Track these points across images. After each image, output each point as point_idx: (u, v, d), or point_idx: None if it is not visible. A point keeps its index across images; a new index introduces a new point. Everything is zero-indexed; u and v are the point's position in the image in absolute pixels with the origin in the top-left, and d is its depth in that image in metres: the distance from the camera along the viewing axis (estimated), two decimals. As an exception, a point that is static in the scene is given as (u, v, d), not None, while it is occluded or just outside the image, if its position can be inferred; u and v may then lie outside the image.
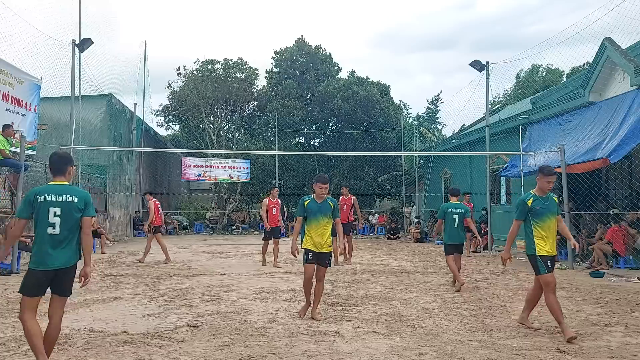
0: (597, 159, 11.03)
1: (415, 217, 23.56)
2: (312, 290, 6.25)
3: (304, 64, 28.38)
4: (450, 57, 78.63)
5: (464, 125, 26.98)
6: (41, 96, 13.24)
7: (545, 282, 5.51)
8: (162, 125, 29.43)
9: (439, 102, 43.86)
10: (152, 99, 53.43)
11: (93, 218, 4.57)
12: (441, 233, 9.24)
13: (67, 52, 14.31)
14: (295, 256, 6.41)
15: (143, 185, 23.27)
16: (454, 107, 34.91)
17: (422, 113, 44.05)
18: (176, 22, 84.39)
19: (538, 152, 13.74)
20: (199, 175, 25.17)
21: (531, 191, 5.77)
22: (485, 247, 15.77)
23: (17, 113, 11.93)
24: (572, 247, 5.76)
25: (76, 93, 14.82)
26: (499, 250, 15.64)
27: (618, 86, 12.45)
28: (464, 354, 4.78)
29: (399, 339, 5.31)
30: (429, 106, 44.36)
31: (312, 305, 6.24)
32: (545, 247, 5.56)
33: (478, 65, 16.35)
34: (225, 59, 26.83)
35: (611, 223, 11.41)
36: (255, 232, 24.31)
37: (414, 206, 25.66)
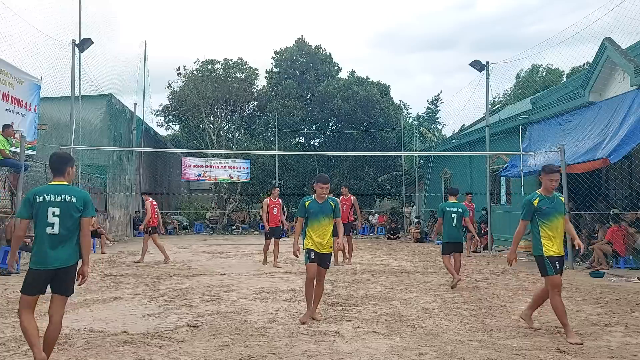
0: (597, 159, 11.03)
1: (415, 217, 23.56)
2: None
3: (304, 64, 28.39)
4: (450, 57, 78.68)
5: (464, 125, 27.01)
6: (41, 96, 13.24)
7: (552, 284, 5.44)
8: (162, 125, 29.50)
9: (439, 102, 43.92)
10: (152, 99, 53.48)
11: (93, 218, 4.59)
12: (441, 233, 9.24)
13: (67, 52, 14.31)
14: (297, 256, 6.34)
15: (143, 185, 23.26)
16: (454, 107, 34.94)
17: (422, 113, 44.11)
18: (176, 22, 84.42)
19: (538, 152, 13.74)
20: (199, 175, 25.18)
21: (537, 191, 5.70)
22: (485, 247, 15.77)
23: (17, 113, 11.93)
24: (577, 247, 5.67)
25: (76, 93, 14.82)
26: (499, 251, 15.66)
27: (618, 86, 12.45)
28: (464, 354, 4.78)
29: (399, 339, 5.31)
30: (429, 106, 44.40)
31: (312, 305, 6.19)
32: (552, 247, 5.48)
33: (478, 65, 16.35)
34: (225, 59, 26.87)
35: (610, 223, 11.41)
36: (255, 232, 24.31)
37: (414, 206, 25.66)
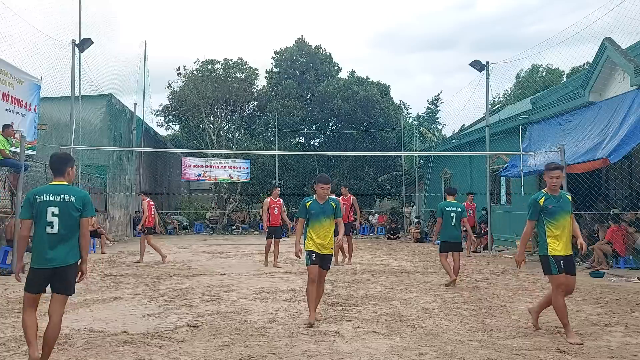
0: (597, 159, 11.03)
1: (415, 217, 23.56)
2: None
3: (304, 64, 28.39)
4: (450, 57, 78.69)
5: (464, 125, 27.00)
6: (41, 96, 13.23)
7: (556, 283, 5.39)
8: (162, 125, 29.52)
9: (439, 102, 43.93)
10: (152, 99, 53.50)
11: (93, 218, 4.61)
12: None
13: (67, 52, 14.31)
14: (299, 257, 6.28)
15: (143, 186, 23.27)
16: (454, 107, 34.91)
17: (422, 113, 44.14)
18: (176, 22, 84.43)
19: (538, 152, 13.73)
20: (199, 175, 25.18)
21: (543, 190, 5.63)
22: (485, 247, 15.78)
23: (17, 113, 11.93)
24: (579, 246, 5.56)
25: (76, 93, 14.83)
26: (499, 251, 15.66)
27: (618, 86, 12.45)
28: (464, 354, 4.78)
29: (399, 339, 5.31)
30: (429, 106, 44.42)
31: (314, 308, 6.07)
32: (557, 247, 5.40)
33: (478, 65, 16.36)
34: (225, 59, 26.89)
35: (609, 222, 11.41)
36: (255, 232, 24.32)
37: (414, 206, 25.66)
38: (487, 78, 16.27)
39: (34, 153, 12.88)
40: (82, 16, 15.57)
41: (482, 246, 15.87)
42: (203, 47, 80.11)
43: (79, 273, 4.35)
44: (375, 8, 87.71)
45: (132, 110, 22.62)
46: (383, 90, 27.92)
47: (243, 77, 26.95)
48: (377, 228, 24.85)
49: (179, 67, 26.97)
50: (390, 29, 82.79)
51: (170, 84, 27.47)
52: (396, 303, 7.23)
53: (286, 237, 16.61)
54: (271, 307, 6.91)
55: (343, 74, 29.01)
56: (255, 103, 28.58)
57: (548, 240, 5.45)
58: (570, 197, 5.67)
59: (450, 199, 9.21)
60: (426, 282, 9.24)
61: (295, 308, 6.82)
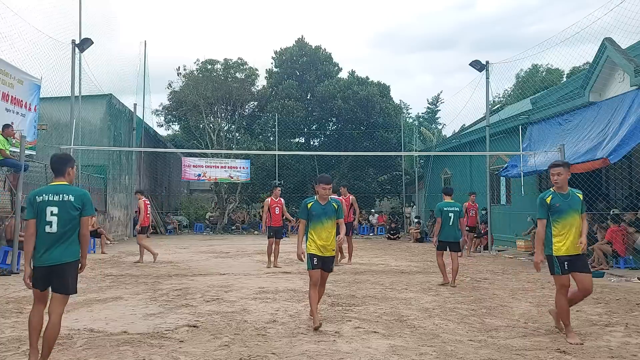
0: (597, 159, 11.02)
1: (415, 217, 23.57)
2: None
3: (304, 64, 28.39)
4: (450, 57, 78.72)
5: (464, 125, 27.01)
6: (41, 96, 13.23)
7: (559, 284, 5.34)
8: (162, 125, 29.51)
9: (439, 102, 43.95)
10: (152, 99, 53.56)
11: (93, 218, 4.64)
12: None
13: (67, 52, 14.31)
14: (302, 260, 6.11)
15: (143, 186, 23.26)
16: (454, 107, 34.97)
17: (422, 113, 44.15)
18: (176, 22, 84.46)
19: (538, 152, 13.73)
20: (199, 175, 25.18)
21: (551, 189, 5.54)
22: (485, 247, 15.78)
23: (17, 113, 11.93)
24: (578, 244, 5.34)
25: (76, 93, 14.82)
26: (499, 251, 15.67)
27: (618, 86, 12.45)
28: (464, 354, 4.78)
29: (399, 339, 5.30)
30: (429, 106, 44.43)
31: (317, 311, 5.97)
32: (562, 246, 5.30)
33: (478, 65, 16.36)
34: (225, 59, 26.88)
35: (607, 222, 11.40)
36: (255, 232, 24.32)
37: (414, 206, 25.67)
38: (487, 78, 16.27)
39: (34, 153, 12.88)
40: (82, 16, 15.59)
41: (482, 246, 15.87)
42: (203, 47, 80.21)
43: (79, 266, 4.42)
44: (375, 8, 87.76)
45: (132, 110, 22.62)
46: (383, 90, 27.92)
47: (243, 77, 26.95)
48: (377, 228, 24.85)
49: (179, 67, 27.02)
50: (390, 29, 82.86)
51: (170, 84, 27.51)
52: (396, 303, 7.23)
53: (286, 237, 16.61)
54: (271, 307, 6.91)
55: (343, 74, 29.06)
56: (255, 103, 28.58)
57: (553, 239, 5.37)
58: (581, 196, 5.49)
59: (447, 199, 9.30)
60: (426, 282, 9.24)
61: (295, 308, 6.82)
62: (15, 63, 11.87)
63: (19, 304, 6.95)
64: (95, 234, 14.28)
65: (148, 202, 12.76)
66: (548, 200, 5.41)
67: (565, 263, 5.30)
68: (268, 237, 11.60)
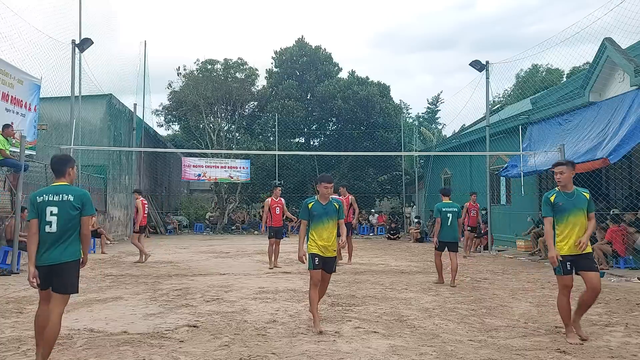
0: (597, 159, 11.03)
1: (415, 217, 23.57)
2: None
3: (304, 64, 28.39)
4: (450, 57, 78.74)
5: (464, 125, 27.02)
6: (41, 96, 13.23)
7: (560, 284, 5.32)
8: (162, 125, 29.51)
9: (439, 102, 43.95)
10: (152, 99, 53.54)
11: (93, 218, 4.66)
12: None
13: (67, 52, 14.30)
14: (303, 262, 6.04)
15: (143, 185, 23.26)
16: (454, 107, 34.98)
17: (422, 113, 44.15)
18: (176, 22, 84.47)
19: (538, 152, 13.73)
20: (199, 175, 25.18)
21: (556, 187, 5.51)
22: (485, 247, 15.78)
23: (17, 113, 11.93)
24: (576, 242, 5.24)
25: (76, 93, 14.82)
26: (499, 251, 15.67)
27: (618, 86, 12.45)
28: (464, 354, 4.78)
29: (399, 339, 5.31)
30: (429, 106, 44.43)
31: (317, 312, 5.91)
32: (565, 246, 5.26)
33: (478, 65, 16.36)
34: (225, 59, 26.87)
35: (606, 223, 11.40)
36: (255, 232, 24.32)
37: (414, 206, 25.67)
38: (487, 78, 16.27)
39: (34, 153, 12.88)
40: (82, 16, 15.57)
41: (482, 246, 15.87)
42: (203, 47, 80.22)
43: (81, 262, 4.47)
44: (375, 8, 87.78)
45: (132, 110, 22.62)
46: (383, 90, 27.92)
47: (243, 77, 26.95)
48: (377, 228, 24.85)
49: (179, 67, 27.03)
50: (390, 29, 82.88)
51: (170, 84, 27.51)
52: (396, 303, 7.23)
53: (286, 237, 16.61)
54: (271, 307, 6.91)
55: (343, 74, 29.05)
56: (255, 103, 28.57)
57: (556, 239, 5.35)
58: (587, 195, 5.41)
59: (445, 199, 9.39)
60: (426, 282, 9.24)
61: (295, 308, 6.82)
62: (15, 63, 11.87)
63: (19, 304, 6.95)
64: (95, 234, 14.28)
65: (146, 202, 12.76)
66: (552, 198, 5.37)
67: (568, 263, 5.24)
68: (269, 238, 11.54)
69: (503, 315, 6.50)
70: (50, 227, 4.27)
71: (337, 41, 79.27)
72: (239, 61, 27.04)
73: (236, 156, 25.65)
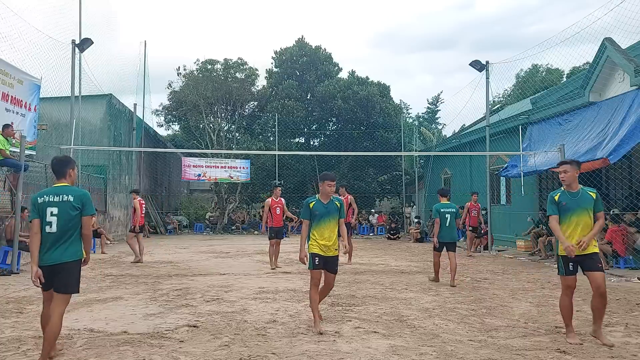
0: (597, 159, 11.03)
1: (415, 217, 23.57)
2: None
3: (304, 64, 28.38)
4: (450, 57, 78.76)
5: (464, 125, 27.02)
6: (41, 96, 13.23)
7: (564, 284, 5.31)
8: (162, 125, 29.50)
9: (439, 102, 43.93)
10: (152, 99, 53.57)
11: (93, 217, 4.69)
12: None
13: (67, 52, 14.30)
14: (304, 263, 5.96)
15: (143, 185, 23.26)
16: (454, 107, 35.00)
17: (422, 113, 44.14)
18: (176, 22, 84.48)
19: (538, 152, 13.73)
20: (199, 175, 25.18)
21: (562, 187, 5.47)
22: (486, 247, 15.78)
23: (17, 113, 11.92)
24: (577, 241, 5.15)
25: (76, 93, 14.81)
26: (499, 251, 15.66)
27: (618, 86, 12.45)
28: (464, 354, 4.78)
29: (399, 339, 5.31)
30: (429, 106, 44.41)
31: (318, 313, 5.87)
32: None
33: (478, 65, 16.36)
34: (225, 59, 26.86)
35: (606, 223, 11.39)
36: (255, 232, 24.32)
37: (414, 206, 25.66)
38: (487, 78, 16.27)
39: (34, 153, 12.88)
40: (82, 16, 15.56)
41: (482, 246, 15.87)
42: (203, 47, 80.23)
43: (83, 261, 4.51)
44: (375, 8, 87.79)
45: (132, 110, 22.62)
46: (383, 90, 27.91)
47: (243, 77, 26.94)
48: (377, 228, 24.84)
49: (179, 67, 27.02)
50: (390, 29, 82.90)
51: (170, 84, 27.50)
52: (396, 303, 7.23)
53: (286, 237, 16.60)
54: (271, 307, 6.91)
55: (343, 74, 29.04)
56: (255, 103, 28.57)
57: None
58: (594, 195, 5.32)
59: (443, 200, 9.45)
60: (426, 282, 9.25)
61: (295, 308, 6.82)
62: (15, 63, 11.87)
63: (19, 304, 6.95)
64: (95, 234, 14.27)
65: (143, 202, 12.76)
66: (556, 197, 5.35)
67: (570, 264, 5.21)
68: (269, 239, 11.47)
69: (503, 315, 6.50)
70: (51, 227, 4.32)
71: (337, 41, 79.36)
72: (239, 61, 27.05)
73: (236, 156, 25.65)
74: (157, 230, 23.97)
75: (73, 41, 14.41)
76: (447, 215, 9.09)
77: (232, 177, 25.38)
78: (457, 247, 9.45)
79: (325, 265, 5.86)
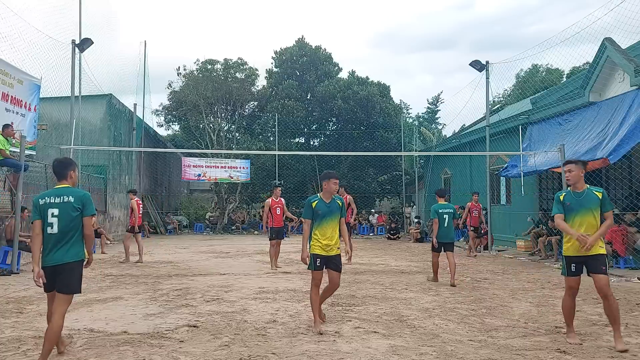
0: (597, 159, 11.03)
1: (415, 217, 23.57)
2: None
3: (304, 64, 28.39)
4: (450, 57, 78.75)
5: (464, 125, 27.02)
6: (41, 96, 13.23)
7: (567, 285, 5.29)
8: (162, 125, 29.52)
9: (439, 102, 43.93)
10: (152, 99, 53.59)
11: (93, 217, 4.70)
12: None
13: (67, 52, 14.30)
14: (306, 263, 5.90)
15: (143, 185, 23.26)
16: (454, 107, 35.01)
17: (422, 113, 44.14)
18: (176, 22, 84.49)
19: (538, 152, 13.73)
20: (199, 175, 25.18)
21: (568, 187, 5.43)
22: (486, 247, 15.78)
23: (17, 113, 11.93)
24: (577, 240, 5.06)
25: (76, 93, 14.81)
26: (499, 251, 15.67)
27: (618, 86, 12.44)
28: (464, 354, 4.78)
29: (399, 339, 5.31)
30: (429, 106, 44.41)
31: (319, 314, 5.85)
32: (570, 247, 5.18)
33: (478, 65, 16.36)
34: (225, 59, 26.87)
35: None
36: (255, 232, 24.32)
37: (414, 206, 25.67)
38: (487, 78, 16.27)
39: (34, 153, 12.88)
40: (82, 16, 15.56)
41: (482, 246, 15.87)
42: (203, 47, 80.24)
43: (85, 262, 4.54)
44: (375, 8, 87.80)
45: (132, 110, 22.62)
46: (383, 90, 27.92)
47: (243, 77, 26.95)
48: (377, 228, 24.84)
49: (179, 67, 27.03)
50: (390, 29, 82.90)
51: (170, 84, 27.51)
52: (396, 303, 7.23)
53: (287, 237, 16.61)
54: (271, 307, 6.91)
55: (343, 74, 29.05)
56: (255, 103, 28.57)
57: (563, 239, 5.31)
58: (600, 194, 5.21)
59: (441, 200, 9.50)
60: (426, 282, 9.25)
61: (295, 308, 6.82)
62: (15, 63, 11.87)
63: (19, 304, 6.95)
64: (96, 234, 14.28)
65: (140, 202, 12.77)
66: (561, 197, 5.33)
67: (573, 265, 5.17)
68: (270, 239, 11.42)
69: (503, 315, 6.50)
70: (52, 228, 4.35)
71: (337, 41, 79.37)
72: (239, 61, 27.05)
73: (236, 156, 25.66)
74: (157, 230, 23.97)
75: (73, 41, 14.42)
76: (445, 215, 9.16)
77: (232, 177, 25.39)
78: (456, 247, 9.48)
79: (328, 264, 5.82)
